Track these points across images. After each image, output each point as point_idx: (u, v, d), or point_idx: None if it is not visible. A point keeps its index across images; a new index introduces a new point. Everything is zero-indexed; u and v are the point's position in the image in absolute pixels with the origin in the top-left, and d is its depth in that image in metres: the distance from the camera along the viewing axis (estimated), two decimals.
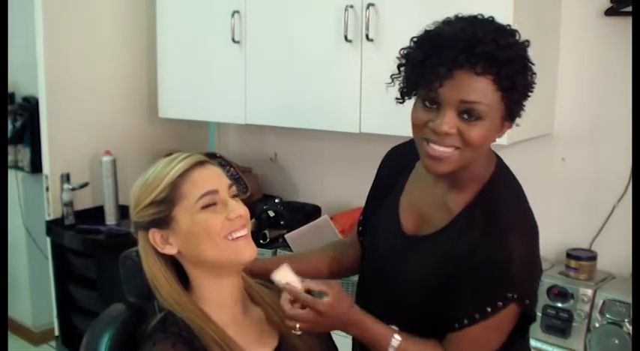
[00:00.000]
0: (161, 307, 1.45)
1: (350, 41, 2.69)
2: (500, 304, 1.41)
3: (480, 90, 1.36)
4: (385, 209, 1.68)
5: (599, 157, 2.59)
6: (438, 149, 1.42)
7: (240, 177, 3.48)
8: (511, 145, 2.54)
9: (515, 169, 2.70)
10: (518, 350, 1.57)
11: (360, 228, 1.81)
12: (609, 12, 2.44)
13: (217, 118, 3.58)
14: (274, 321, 1.54)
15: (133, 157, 3.53)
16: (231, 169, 3.48)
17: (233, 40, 3.10)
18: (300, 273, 1.49)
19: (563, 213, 2.70)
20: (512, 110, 1.43)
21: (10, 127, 4.02)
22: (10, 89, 4.07)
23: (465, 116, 1.39)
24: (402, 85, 1.48)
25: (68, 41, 3.34)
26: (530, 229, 1.52)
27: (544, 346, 2.44)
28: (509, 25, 1.44)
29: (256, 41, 3.06)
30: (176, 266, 1.48)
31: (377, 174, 1.79)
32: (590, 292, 2.36)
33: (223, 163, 3.47)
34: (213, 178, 1.45)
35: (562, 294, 2.40)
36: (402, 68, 1.48)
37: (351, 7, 2.66)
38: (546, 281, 2.45)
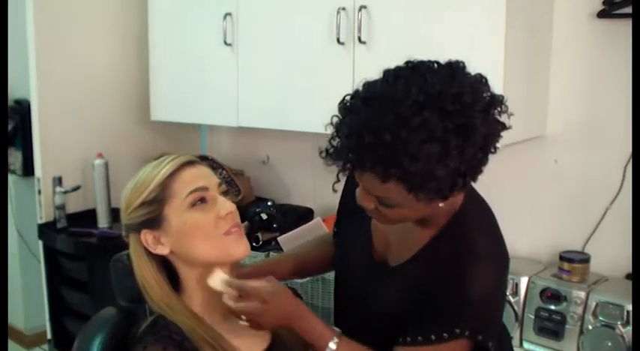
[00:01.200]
0: (152, 311, 1.45)
1: (342, 44, 2.69)
2: (446, 335, 1.39)
3: (388, 191, 1.31)
4: (357, 227, 1.65)
5: (591, 159, 2.60)
6: (370, 214, 1.44)
7: (233, 180, 3.48)
8: (503, 148, 2.54)
9: (507, 171, 2.72)
10: None
11: (336, 229, 1.81)
12: (601, 14, 2.45)
13: (209, 121, 3.57)
14: None
15: (125, 160, 3.51)
16: (224, 171, 3.48)
17: (225, 43, 3.09)
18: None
19: (556, 215, 2.70)
20: (433, 198, 1.31)
21: None
22: None
23: (380, 202, 1.36)
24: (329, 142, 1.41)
25: (60, 44, 3.32)
26: (497, 260, 1.47)
27: (537, 349, 2.45)
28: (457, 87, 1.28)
29: (248, 44, 3.06)
30: (166, 268, 1.48)
31: (347, 182, 1.71)
32: (583, 294, 2.36)
33: (215, 165, 3.48)
34: (203, 177, 1.45)
35: (555, 296, 2.40)
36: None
37: (343, 9, 2.66)
38: (539, 283, 2.45)
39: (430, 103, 1.24)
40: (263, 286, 1.42)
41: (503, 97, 1.36)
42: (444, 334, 1.38)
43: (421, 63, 1.34)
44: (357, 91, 1.37)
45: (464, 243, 1.43)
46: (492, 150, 1.34)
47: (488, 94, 1.33)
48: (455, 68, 1.33)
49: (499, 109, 1.34)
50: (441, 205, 1.36)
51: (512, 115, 1.42)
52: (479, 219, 1.50)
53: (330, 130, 1.40)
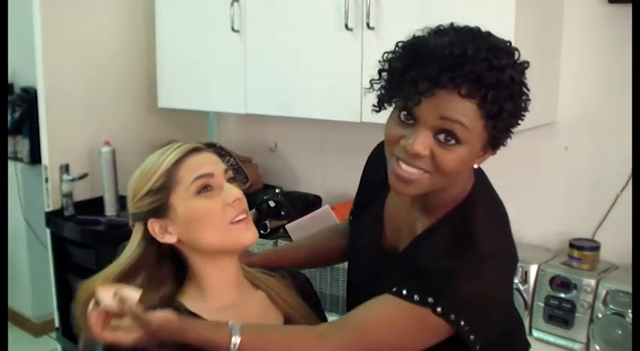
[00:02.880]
0: (162, 298, 1.44)
1: (351, 30, 2.67)
2: (417, 297, 1.28)
3: (463, 113, 1.23)
4: (372, 216, 1.58)
5: (602, 146, 2.57)
6: (406, 170, 1.29)
7: (241, 167, 3.47)
8: (513, 134, 2.53)
9: (517, 158, 2.71)
10: None
11: (351, 217, 1.73)
12: (613, 0, 2.42)
13: (217, 108, 3.56)
14: (277, 302, 1.56)
15: (133, 148, 3.51)
16: (232, 159, 3.47)
17: (233, 29, 3.07)
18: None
19: (566, 202, 2.68)
20: (495, 138, 1.30)
21: (9, 117, 4.01)
22: (8, 80, 4.06)
23: (442, 138, 1.25)
24: (380, 92, 1.36)
25: (67, 31, 3.31)
26: (505, 257, 1.38)
27: (546, 337, 2.43)
28: (509, 43, 1.30)
29: (256, 30, 3.04)
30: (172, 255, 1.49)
31: (363, 174, 1.68)
32: (593, 282, 2.34)
33: (223, 153, 3.47)
34: (209, 163, 1.44)
35: (565, 284, 2.39)
36: (383, 73, 1.35)
37: None
38: (549, 271, 2.44)
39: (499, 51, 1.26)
40: (151, 317, 1.25)
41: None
42: (415, 296, 1.28)
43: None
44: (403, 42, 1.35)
45: (461, 234, 1.35)
46: (511, 133, 1.34)
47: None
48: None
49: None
50: (475, 167, 1.37)
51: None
52: (486, 213, 1.40)
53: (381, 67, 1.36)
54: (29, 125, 3.95)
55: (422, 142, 1.26)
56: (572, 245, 2.47)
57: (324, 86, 2.82)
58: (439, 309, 1.26)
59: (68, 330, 3.43)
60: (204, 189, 1.41)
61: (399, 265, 1.45)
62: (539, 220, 2.74)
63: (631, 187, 2.47)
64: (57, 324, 3.51)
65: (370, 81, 1.37)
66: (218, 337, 1.27)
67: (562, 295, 2.39)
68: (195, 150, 1.45)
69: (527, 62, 1.31)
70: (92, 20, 3.42)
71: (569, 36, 2.59)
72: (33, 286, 4.31)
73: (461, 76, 1.20)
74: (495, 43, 1.27)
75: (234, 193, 1.43)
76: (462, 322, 1.27)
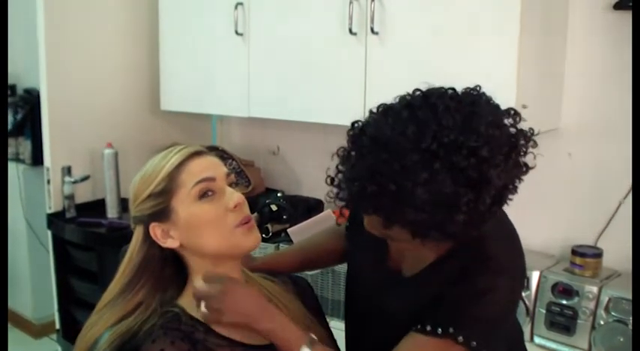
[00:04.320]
0: (162, 302, 1.43)
1: (355, 34, 2.66)
2: (440, 331, 1.33)
3: (395, 233, 1.27)
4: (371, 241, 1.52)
5: (605, 153, 2.57)
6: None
7: (243, 170, 3.46)
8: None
9: None
10: None
11: (348, 227, 1.73)
12: (618, 6, 2.42)
13: (220, 111, 3.56)
14: (278, 308, 1.52)
15: (135, 150, 3.50)
16: (234, 162, 3.47)
17: (236, 33, 3.08)
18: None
19: (569, 209, 2.67)
20: (448, 238, 1.27)
21: (11, 119, 4.01)
22: (11, 81, 4.06)
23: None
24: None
25: (70, 33, 3.31)
26: (516, 275, 1.42)
27: (548, 344, 2.43)
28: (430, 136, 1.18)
29: (260, 34, 3.04)
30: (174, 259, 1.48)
31: None
32: (595, 289, 2.34)
33: (225, 156, 3.46)
34: (210, 167, 1.43)
35: (567, 291, 2.38)
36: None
37: None
38: (551, 278, 2.43)
39: (442, 153, 1.16)
40: (231, 278, 1.41)
41: (532, 131, 1.29)
42: (438, 329, 1.32)
43: (439, 96, 1.24)
44: (369, 118, 1.31)
45: (479, 255, 1.36)
46: (510, 197, 1.28)
47: (512, 136, 1.25)
48: (476, 105, 1.23)
49: (524, 149, 1.27)
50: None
51: (526, 107, 1.36)
52: (494, 228, 1.37)
53: (335, 160, 1.33)
54: (31, 127, 3.95)
55: (367, 223, 1.34)
56: (574, 252, 2.47)
57: (327, 90, 2.82)
58: (460, 338, 1.31)
59: (68, 332, 3.42)
60: (206, 194, 1.40)
61: (407, 289, 1.47)
62: (542, 227, 2.73)
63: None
64: (57, 326, 3.50)
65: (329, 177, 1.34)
66: (293, 336, 1.36)
67: (564, 302, 2.38)
68: (196, 153, 1.44)
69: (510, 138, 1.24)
70: (96, 23, 3.42)
71: (573, 42, 2.58)
72: (33, 288, 4.30)
73: (376, 208, 1.23)
74: (405, 159, 1.17)
75: (235, 198, 1.41)
76: (481, 346, 1.32)
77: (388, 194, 1.18)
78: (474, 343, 1.31)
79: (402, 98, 1.28)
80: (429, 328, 1.33)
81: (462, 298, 1.34)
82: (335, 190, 1.29)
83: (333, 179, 1.30)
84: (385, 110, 1.29)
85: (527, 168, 1.28)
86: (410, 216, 1.19)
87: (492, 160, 1.18)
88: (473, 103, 1.23)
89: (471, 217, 1.20)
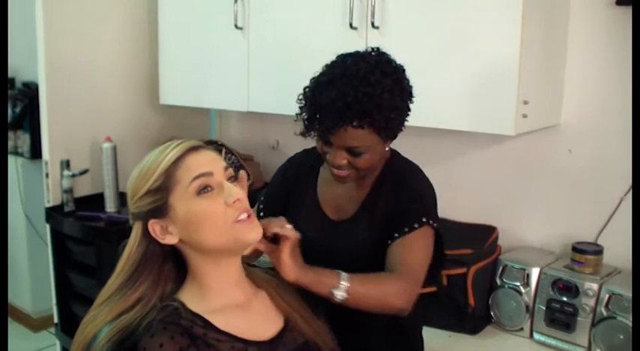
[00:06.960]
0: (162, 297, 1.43)
1: (355, 28, 2.65)
2: (416, 225, 1.77)
3: (361, 137, 1.70)
4: (307, 207, 1.96)
5: (606, 149, 2.56)
6: (338, 173, 1.80)
7: (242, 165, 3.45)
8: (517, 136, 2.51)
9: (521, 160, 2.70)
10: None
11: (262, 208, 2.06)
12: (620, 1, 2.40)
13: (219, 106, 3.55)
14: (278, 301, 1.56)
15: (134, 144, 3.50)
16: (233, 156, 3.46)
17: (236, 27, 3.06)
18: None
19: (569, 205, 2.66)
20: (390, 135, 1.77)
21: (10, 112, 4.01)
22: (10, 74, 4.06)
23: (352, 152, 1.73)
24: (303, 123, 1.79)
25: (69, 26, 3.30)
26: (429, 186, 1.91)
27: (548, 340, 2.42)
28: (380, 55, 1.77)
29: (259, 28, 3.02)
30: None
31: (280, 178, 2.11)
32: (595, 286, 2.33)
33: (225, 150, 3.45)
34: (208, 162, 1.42)
35: (567, 288, 2.37)
36: (303, 109, 1.79)
37: None
38: (551, 274, 2.42)
39: (376, 68, 1.70)
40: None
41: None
42: (415, 224, 1.77)
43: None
44: (325, 68, 1.84)
45: (401, 171, 1.89)
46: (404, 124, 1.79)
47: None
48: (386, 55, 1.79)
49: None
50: (387, 149, 1.85)
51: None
52: (406, 163, 1.95)
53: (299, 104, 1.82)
54: (30, 120, 3.94)
55: (338, 157, 1.76)
56: (574, 249, 2.46)
57: None
58: (431, 221, 1.80)
59: (67, 325, 3.42)
60: (204, 189, 1.39)
61: (356, 221, 1.88)
62: (542, 223, 2.72)
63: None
64: (56, 319, 3.50)
65: (296, 114, 1.82)
66: (329, 278, 1.60)
67: (564, 299, 2.38)
68: (194, 148, 1.43)
69: (403, 68, 1.77)
70: (94, 16, 3.40)
71: (575, 38, 2.57)
72: (32, 282, 4.30)
73: (349, 117, 1.66)
74: (367, 74, 1.68)
75: (234, 193, 1.41)
76: (437, 223, 1.83)
77: (357, 102, 1.65)
78: (435, 223, 1.81)
79: (338, 56, 1.86)
80: (406, 229, 1.77)
81: (414, 199, 1.82)
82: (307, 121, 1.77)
83: (304, 121, 1.78)
84: (332, 63, 1.85)
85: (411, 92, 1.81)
86: (375, 113, 1.66)
87: (402, 69, 1.77)
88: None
89: (403, 103, 1.74)
